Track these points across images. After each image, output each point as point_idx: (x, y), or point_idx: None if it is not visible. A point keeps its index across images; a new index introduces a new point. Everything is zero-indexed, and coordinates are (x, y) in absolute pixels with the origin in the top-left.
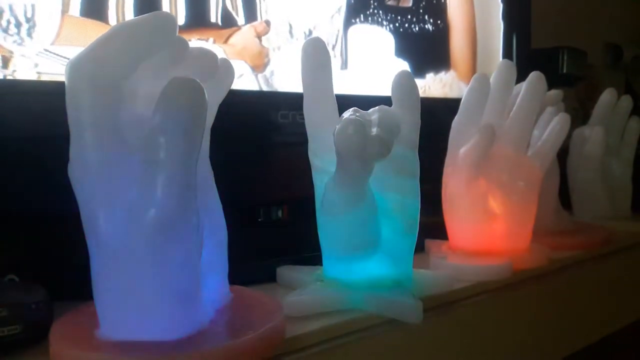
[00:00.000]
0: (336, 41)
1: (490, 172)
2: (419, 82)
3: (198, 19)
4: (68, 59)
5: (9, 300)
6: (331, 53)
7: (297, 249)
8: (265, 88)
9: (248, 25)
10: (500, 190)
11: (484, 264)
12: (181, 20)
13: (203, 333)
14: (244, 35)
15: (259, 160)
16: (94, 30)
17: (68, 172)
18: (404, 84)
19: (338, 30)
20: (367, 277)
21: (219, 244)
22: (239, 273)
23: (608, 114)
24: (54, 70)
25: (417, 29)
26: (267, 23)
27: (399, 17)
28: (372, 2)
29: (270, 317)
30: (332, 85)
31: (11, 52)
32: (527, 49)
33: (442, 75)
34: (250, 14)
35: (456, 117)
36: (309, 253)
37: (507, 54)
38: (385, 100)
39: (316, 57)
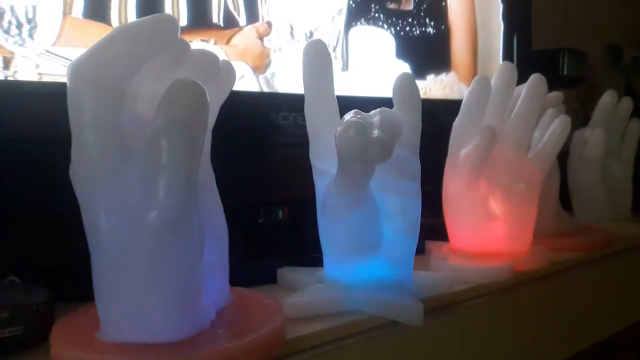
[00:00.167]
0: (337, 42)
1: (491, 173)
2: (419, 83)
3: (200, 19)
4: (69, 60)
5: (10, 302)
6: (332, 54)
7: (297, 250)
8: (266, 89)
9: (250, 26)
10: (501, 192)
11: (485, 265)
12: (183, 21)
13: (204, 334)
14: (246, 36)
15: (259, 161)
16: (96, 32)
17: (69, 174)
18: (406, 86)
19: (339, 32)
20: (367, 279)
21: (220, 245)
22: (239, 274)
23: (608, 116)
24: (55, 72)
25: (418, 32)
26: (269, 24)
27: (400, 21)
28: (373, 6)
29: (271, 318)
30: (333, 87)
31: (12, 53)
32: (527, 51)
33: (443, 76)
34: (252, 15)
35: (457, 119)
36: (309, 254)
37: (507, 56)
38: (386, 102)
39: (317, 59)
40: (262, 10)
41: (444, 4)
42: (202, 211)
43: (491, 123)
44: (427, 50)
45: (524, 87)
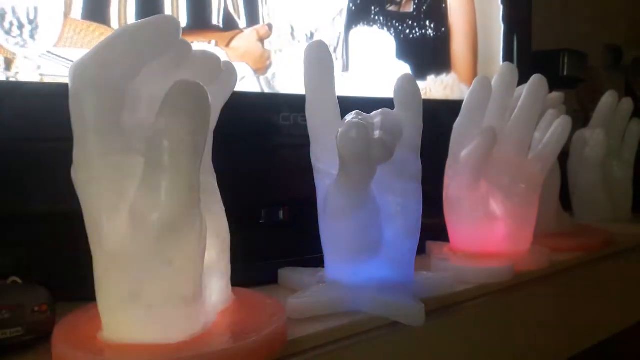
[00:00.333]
0: (337, 44)
1: (491, 174)
2: (420, 84)
3: (200, 21)
4: (71, 61)
5: (12, 302)
6: (333, 55)
7: (299, 251)
8: (266, 90)
9: (250, 29)
10: (501, 193)
11: (486, 266)
12: (183, 22)
13: (206, 335)
14: (247, 38)
15: (260, 162)
16: (97, 33)
17: (71, 175)
18: (407, 87)
19: (339, 33)
20: (369, 279)
21: (222, 246)
22: (241, 275)
23: (609, 116)
24: (57, 72)
25: (418, 34)
26: (270, 27)
27: (400, 23)
28: (373, 8)
29: (273, 319)
30: (334, 88)
31: (14, 54)
32: (528, 52)
33: (443, 77)
34: (252, 17)
35: (458, 120)
36: (310, 255)
37: (507, 57)
38: (387, 102)
39: (319, 60)
40: (263, 11)
41: (444, 5)
42: (204, 212)
43: (492, 124)
44: (427, 51)
45: (525, 88)
